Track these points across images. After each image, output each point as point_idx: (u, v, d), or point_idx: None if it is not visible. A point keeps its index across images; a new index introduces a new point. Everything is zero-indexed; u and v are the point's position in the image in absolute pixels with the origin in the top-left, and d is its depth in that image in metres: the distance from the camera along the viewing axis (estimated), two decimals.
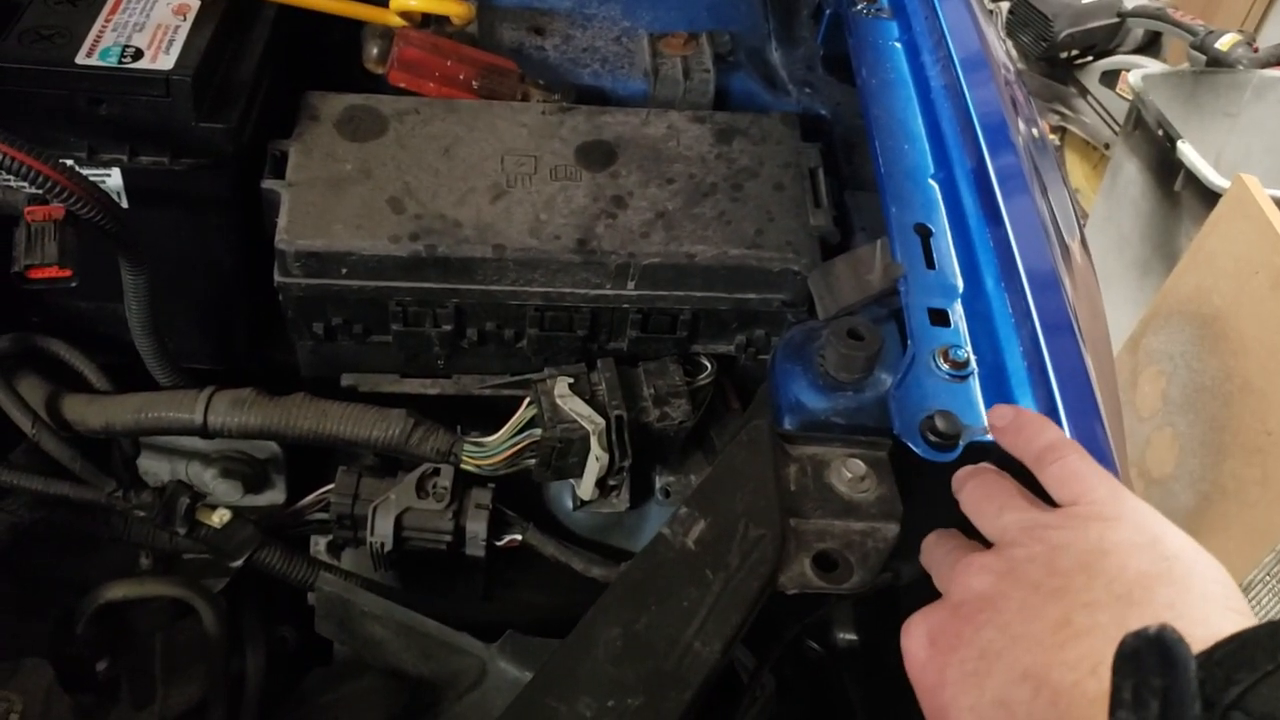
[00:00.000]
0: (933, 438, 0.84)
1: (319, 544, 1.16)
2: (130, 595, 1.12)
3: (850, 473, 0.83)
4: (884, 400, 0.87)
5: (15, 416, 1.01)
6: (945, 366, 0.89)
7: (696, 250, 1.04)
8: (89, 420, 1.05)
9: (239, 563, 1.08)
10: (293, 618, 1.17)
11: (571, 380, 1.04)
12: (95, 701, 1.12)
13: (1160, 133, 2.54)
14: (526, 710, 0.70)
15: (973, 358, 0.90)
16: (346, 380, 1.12)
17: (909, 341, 0.90)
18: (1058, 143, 3.38)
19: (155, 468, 1.19)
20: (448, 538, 1.06)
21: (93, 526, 1.10)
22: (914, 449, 0.84)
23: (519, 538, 1.09)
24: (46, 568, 1.17)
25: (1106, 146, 3.17)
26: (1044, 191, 1.08)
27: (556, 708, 0.70)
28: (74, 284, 0.90)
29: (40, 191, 0.87)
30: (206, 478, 1.18)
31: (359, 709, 1.08)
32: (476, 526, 1.06)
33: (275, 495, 1.22)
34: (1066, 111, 3.31)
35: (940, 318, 0.93)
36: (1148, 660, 0.46)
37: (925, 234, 0.99)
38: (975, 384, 0.89)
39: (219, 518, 1.08)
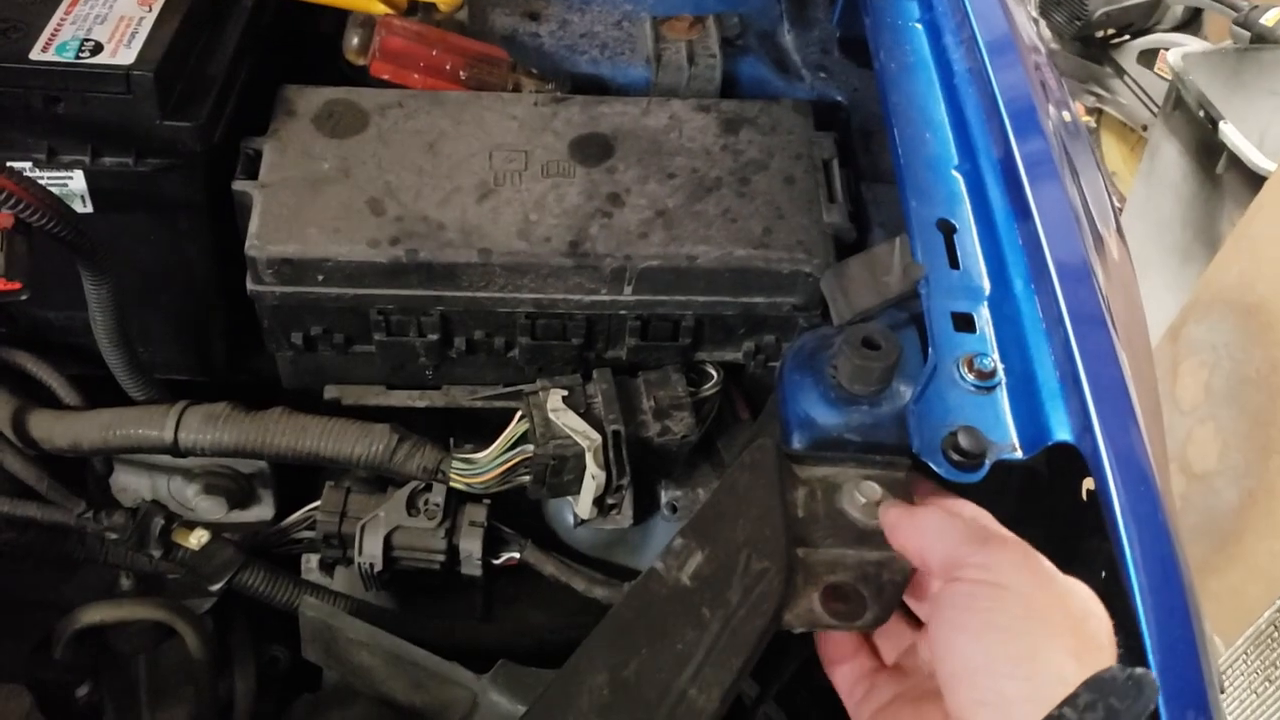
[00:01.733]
0: (956, 456, 0.78)
1: (310, 562, 1.11)
2: (109, 618, 1.07)
3: (864, 496, 0.76)
4: (902, 415, 0.82)
5: None
6: (970, 377, 0.83)
7: (699, 251, 0.98)
8: (55, 438, 1.00)
9: (219, 585, 1.03)
10: (285, 636, 1.12)
11: (565, 392, 0.98)
12: None
13: (1201, 114, 2.48)
14: None
15: (1000, 367, 0.83)
16: (330, 393, 1.07)
17: (930, 349, 0.84)
18: (1093, 125, 3.31)
19: (135, 484, 1.14)
20: (440, 557, 1.02)
21: (68, 547, 1.06)
22: (935, 469, 0.78)
23: (517, 556, 1.05)
24: (23, 589, 1.13)
25: (1144, 128, 3.10)
26: (1076, 179, 1.01)
27: None
28: (25, 296, 0.84)
29: None
30: (189, 494, 1.14)
31: None
32: (471, 545, 1.02)
33: (263, 511, 1.17)
34: (1102, 93, 3.25)
35: (965, 322, 0.87)
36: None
37: (948, 230, 0.93)
38: (1003, 396, 0.82)
39: (196, 539, 1.02)
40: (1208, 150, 2.49)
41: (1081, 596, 0.65)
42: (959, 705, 0.61)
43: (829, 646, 0.77)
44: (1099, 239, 1.00)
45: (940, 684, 0.64)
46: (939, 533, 0.69)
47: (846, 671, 0.76)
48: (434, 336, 1.00)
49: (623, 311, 1.00)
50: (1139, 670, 0.56)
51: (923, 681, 0.72)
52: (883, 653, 0.77)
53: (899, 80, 1.04)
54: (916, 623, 0.76)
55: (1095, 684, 0.56)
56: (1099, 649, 0.62)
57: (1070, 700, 0.56)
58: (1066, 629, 0.62)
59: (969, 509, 0.72)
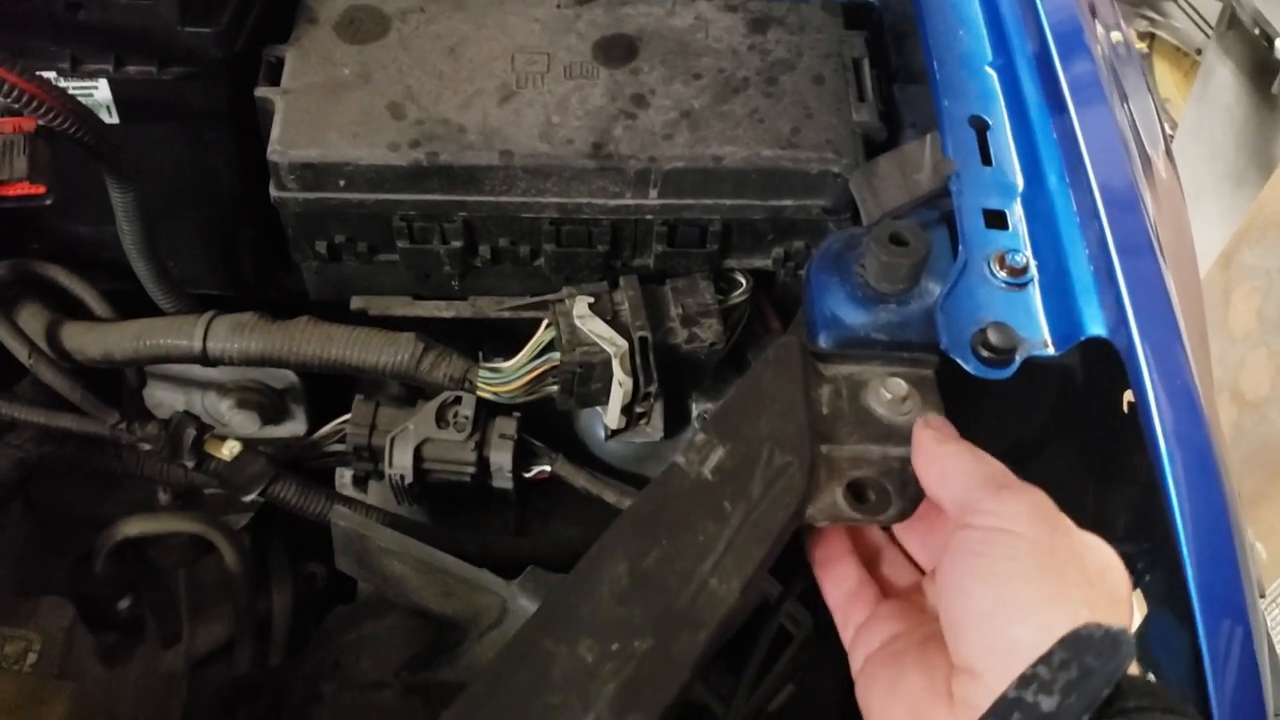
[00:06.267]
0: (985, 352, 0.77)
1: (344, 477, 1.12)
2: (147, 531, 1.09)
3: (890, 393, 0.74)
4: (930, 313, 0.80)
5: (12, 346, 0.97)
6: (1001, 274, 0.81)
7: (725, 152, 0.96)
8: (87, 349, 1.01)
9: (252, 496, 1.03)
10: (322, 554, 1.13)
11: (592, 300, 0.97)
12: (119, 640, 1.10)
13: (1257, 31, 2.40)
14: (521, 654, 0.64)
15: (1033, 263, 0.82)
16: (356, 303, 1.07)
17: (960, 246, 0.82)
18: (1145, 50, 3.22)
19: (169, 399, 1.15)
20: (470, 469, 1.01)
21: (105, 461, 1.07)
22: (964, 365, 0.77)
23: (548, 469, 1.04)
24: (64, 505, 1.14)
25: (1198, 52, 3.00)
26: (1125, 101, 0.97)
27: (554, 650, 0.64)
28: (49, 201, 0.84)
29: (9, 102, 0.81)
30: (222, 409, 1.15)
31: (381, 648, 1.04)
32: (501, 458, 1.01)
33: (295, 426, 1.18)
34: (1155, 16, 3.16)
35: (997, 219, 0.85)
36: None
37: (981, 127, 0.91)
38: (1035, 292, 0.81)
39: (228, 450, 1.03)
40: (1263, 70, 2.41)
41: (1100, 551, 0.63)
42: (966, 650, 0.60)
43: (817, 546, 0.75)
44: (1146, 157, 0.97)
45: (945, 629, 0.62)
46: (961, 472, 0.66)
47: (838, 578, 0.74)
48: (458, 244, 0.99)
49: (649, 216, 0.98)
50: (1116, 628, 0.55)
51: (927, 623, 0.69)
52: (885, 584, 0.75)
53: None
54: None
55: (1071, 641, 0.55)
56: (1116, 602, 0.61)
57: (1045, 658, 0.55)
58: (1083, 580, 0.59)
59: (992, 460, 0.68)
